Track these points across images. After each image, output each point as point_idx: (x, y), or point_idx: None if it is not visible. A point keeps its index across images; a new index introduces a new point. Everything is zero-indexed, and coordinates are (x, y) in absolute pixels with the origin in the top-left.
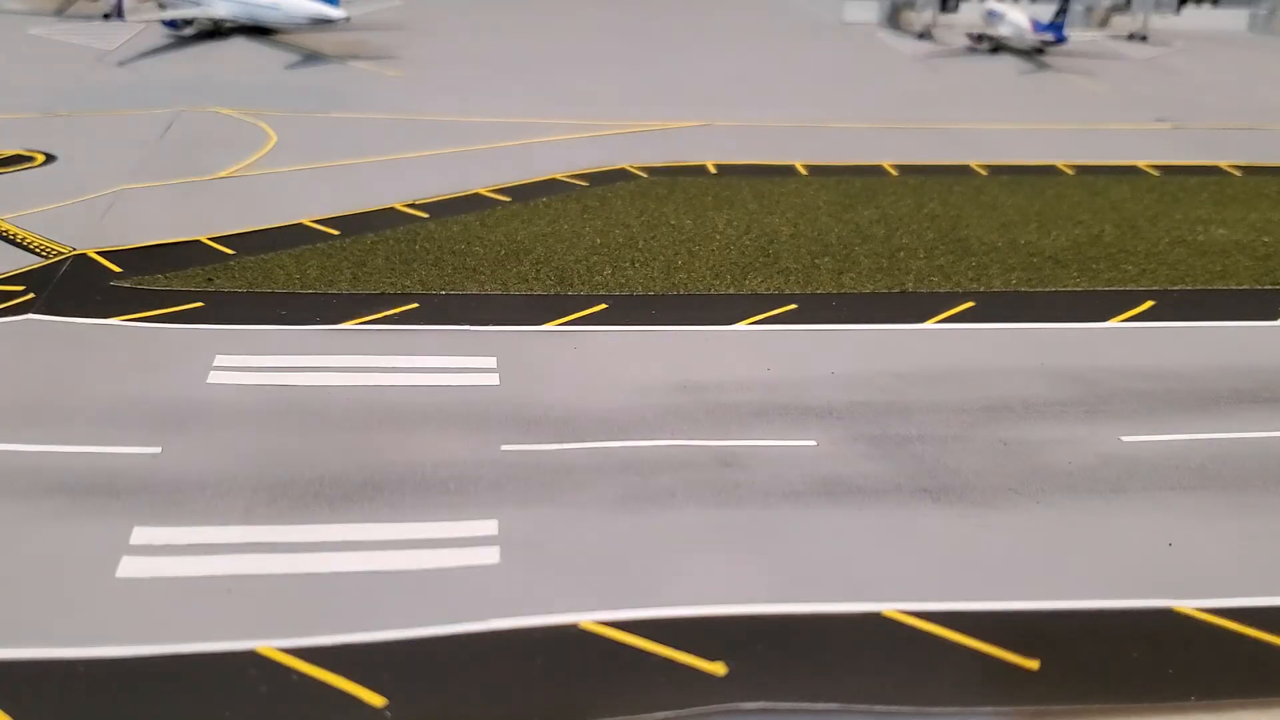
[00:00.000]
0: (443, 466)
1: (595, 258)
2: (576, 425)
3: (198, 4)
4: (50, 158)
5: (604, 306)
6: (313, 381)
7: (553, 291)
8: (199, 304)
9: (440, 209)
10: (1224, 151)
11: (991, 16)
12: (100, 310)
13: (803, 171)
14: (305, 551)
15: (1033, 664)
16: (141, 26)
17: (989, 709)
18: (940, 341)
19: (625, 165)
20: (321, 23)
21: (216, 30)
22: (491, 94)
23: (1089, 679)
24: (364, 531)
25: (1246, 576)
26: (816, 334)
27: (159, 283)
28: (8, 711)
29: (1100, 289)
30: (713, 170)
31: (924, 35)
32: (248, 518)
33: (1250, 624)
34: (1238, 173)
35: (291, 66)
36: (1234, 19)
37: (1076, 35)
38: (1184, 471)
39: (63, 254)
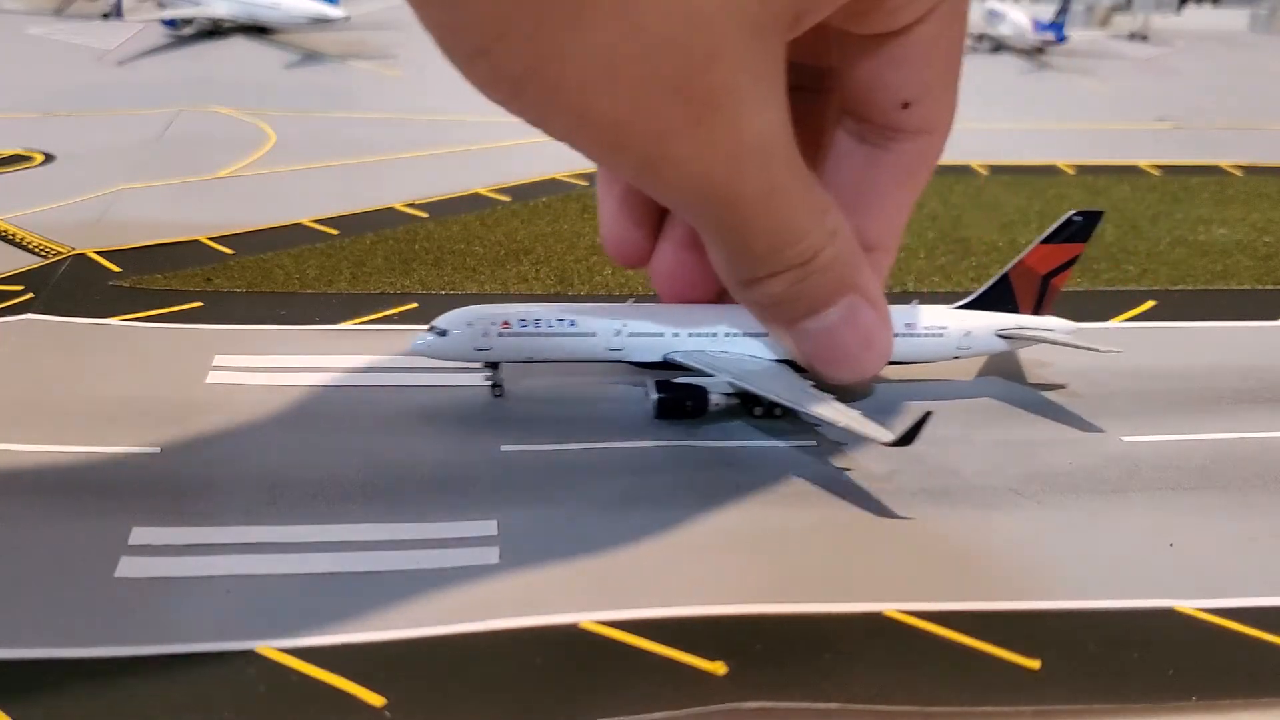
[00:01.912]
0: (443, 466)
1: (595, 258)
2: (576, 425)
3: (197, 3)
4: (49, 157)
5: None
6: (312, 381)
7: (553, 291)
8: (198, 304)
9: (440, 209)
10: (1225, 151)
11: (992, 16)
12: (99, 310)
13: None
14: (305, 551)
15: (1034, 664)
16: (141, 26)
17: (989, 709)
18: None
19: None
20: (320, 22)
21: (216, 30)
22: None
23: (1090, 679)
24: (364, 531)
25: (1246, 576)
26: None
27: (158, 282)
28: (7, 711)
29: (1101, 289)
30: None
31: None
32: (247, 518)
33: (1250, 624)
34: (1239, 172)
35: (291, 66)
36: (1234, 19)
37: (1077, 35)
38: (1184, 471)
39: (62, 254)
